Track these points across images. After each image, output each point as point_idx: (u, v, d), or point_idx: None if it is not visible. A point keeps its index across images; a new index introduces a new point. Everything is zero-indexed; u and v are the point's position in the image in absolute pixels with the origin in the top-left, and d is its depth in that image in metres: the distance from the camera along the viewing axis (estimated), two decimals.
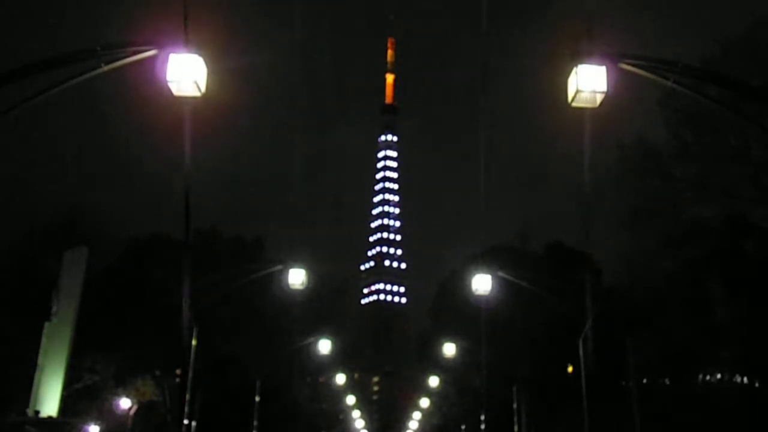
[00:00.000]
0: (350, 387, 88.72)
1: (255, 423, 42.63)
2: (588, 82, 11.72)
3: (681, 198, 31.41)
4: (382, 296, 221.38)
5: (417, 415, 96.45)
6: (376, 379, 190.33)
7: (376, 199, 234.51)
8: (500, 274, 29.53)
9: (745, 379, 39.61)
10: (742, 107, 13.55)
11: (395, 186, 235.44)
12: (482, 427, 52.87)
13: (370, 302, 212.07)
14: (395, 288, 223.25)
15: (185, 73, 11.59)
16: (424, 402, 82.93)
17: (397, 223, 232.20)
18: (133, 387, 42.51)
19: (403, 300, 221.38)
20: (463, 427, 69.61)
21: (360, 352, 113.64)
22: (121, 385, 41.70)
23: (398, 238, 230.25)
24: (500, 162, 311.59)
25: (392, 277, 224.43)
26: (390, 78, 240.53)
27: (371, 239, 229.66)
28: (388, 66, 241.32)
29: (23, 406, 27.12)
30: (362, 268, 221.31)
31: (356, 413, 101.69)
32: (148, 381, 43.45)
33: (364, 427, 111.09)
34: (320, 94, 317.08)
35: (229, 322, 42.19)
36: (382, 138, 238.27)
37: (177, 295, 28.53)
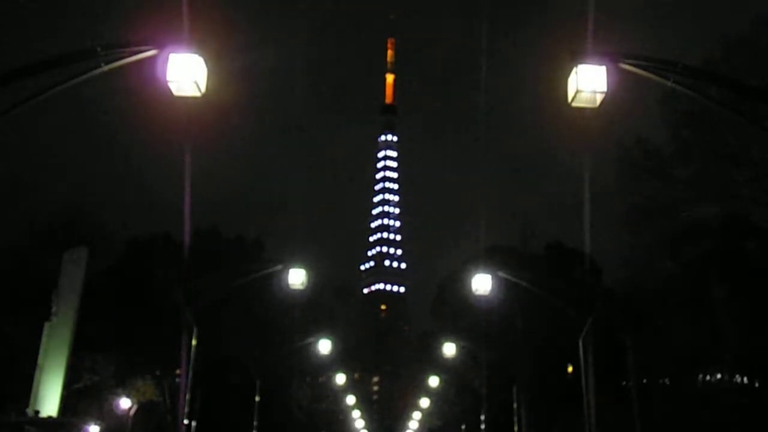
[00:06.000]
0: (350, 387, 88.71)
1: (255, 423, 42.64)
2: (588, 82, 11.71)
3: (681, 198, 31.39)
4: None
5: (417, 415, 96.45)
6: (376, 379, 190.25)
7: (376, 199, 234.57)
8: (500, 274, 29.51)
9: (745, 379, 39.60)
10: (742, 107, 13.55)
11: (395, 186, 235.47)
12: (482, 427, 52.90)
13: (370, 299, 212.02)
14: (395, 288, 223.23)
15: (185, 73, 11.58)
16: (424, 402, 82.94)
17: (397, 223, 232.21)
18: (133, 387, 42.53)
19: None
20: (463, 427, 69.64)
21: (360, 352, 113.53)
22: (121, 385, 41.72)
23: (398, 238, 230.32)
24: (500, 162, 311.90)
25: (392, 277, 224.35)
26: (390, 78, 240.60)
27: (371, 239, 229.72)
28: (388, 66, 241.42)
29: (23, 406, 27.12)
30: (362, 268, 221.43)
31: (356, 413, 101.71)
32: (148, 381, 43.46)
33: (364, 427, 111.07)
34: (320, 94, 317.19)
35: (229, 321, 42.20)
36: (382, 138, 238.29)
37: (177, 295, 28.57)
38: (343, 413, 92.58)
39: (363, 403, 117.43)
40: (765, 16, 28.01)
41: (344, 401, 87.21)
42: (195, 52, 11.64)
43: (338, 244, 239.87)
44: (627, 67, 11.94)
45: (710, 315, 33.33)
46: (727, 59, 27.24)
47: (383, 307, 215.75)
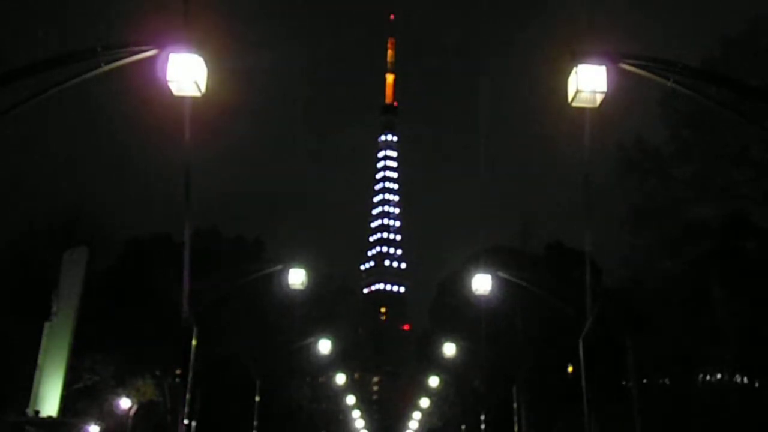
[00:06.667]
0: (350, 387, 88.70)
1: (255, 423, 42.64)
2: (588, 82, 11.70)
3: (681, 198, 31.37)
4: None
5: (417, 415, 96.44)
6: (376, 379, 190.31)
7: (376, 199, 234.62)
8: (500, 274, 29.53)
9: (745, 379, 39.59)
10: (742, 107, 13.54)
11: (395, 186, 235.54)
12: (482, 427, 52.91)
13: (370, 299, 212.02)
14: (395, 288, 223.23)
15: (185, 73, 11.59)
16: (424, 402, 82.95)
17: (397, 223, 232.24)
18: (133, 387, 42.50)
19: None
20: (463, 427, 69.62)
21: (360, 352, 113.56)
22: (121, 385, 41.70)
23: (398, 238, 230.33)
24: (500, 162, 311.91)
25: (392, 277, 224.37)
26: (390, 78, 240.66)
27: (371, 239, 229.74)
28: (388, 66, 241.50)
29: (23, 406, 27.12)
30: (362, 268, 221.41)
31: (356, 413, 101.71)
32: (148, 381, 43.44)
33: (364, 427, 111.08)
34: (320, 94, 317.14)
35: (229, 321, 42.19)
36: (382, 138, 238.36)
37: (177, 295, 28.57)
38: (343, 413, 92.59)
39: (363, 403, 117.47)
40: (765, 16, 28.00)
41: (344, 401, 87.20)
42: (195, 52, 11.64)
43: (338, 244, 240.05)
44: (627, 67, 11.94)
45: (710, 315, 33.32)
46: (727, 59, 27.23)
47: (383, 309, 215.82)
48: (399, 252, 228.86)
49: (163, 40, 11.66)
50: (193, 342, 28.58)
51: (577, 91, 11.74)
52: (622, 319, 33.02)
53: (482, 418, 52.68)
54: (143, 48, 11.71)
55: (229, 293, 34.25)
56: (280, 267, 29.28)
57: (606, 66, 11.74)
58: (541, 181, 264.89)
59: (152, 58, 11.71)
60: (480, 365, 50.30)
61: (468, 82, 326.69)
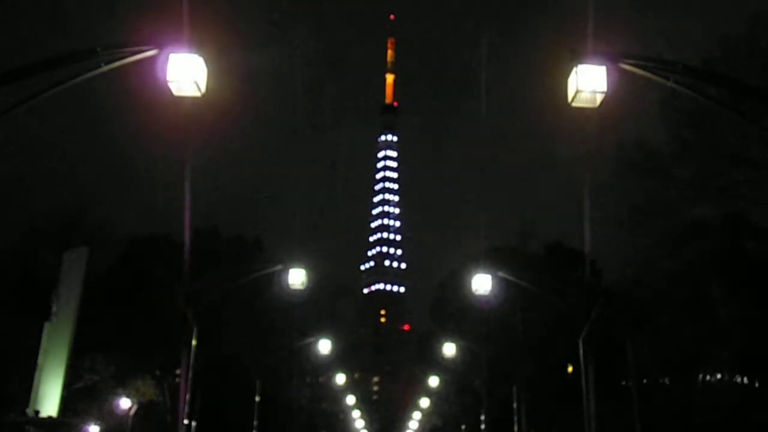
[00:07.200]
0: (350, 387, 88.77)
1: (255, 423, 42.64)
2: (588, 82, 11.70)
3: (681, 198, 31.33)
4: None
5: (417, 415, 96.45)
6: (376, 379, 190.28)
7: (376, 199, 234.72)
8: (500, 274, 29.50)
9: (745, 379, 39.59)
10: (742, 107, 13.55)
11: (395, 186, 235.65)
12: (482, 427, 52.92)
13: (370, 299, 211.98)
14: (395, 288, 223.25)
15: (185, 73, 11.58)
16: (424, 402, 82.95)
17: (397, 223, 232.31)
18: (133, 387, 42.51)
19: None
20: (463, 427, 69.64)
21: (360, 352, 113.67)
22: (121, 385, 41.70)
23: (398, 238, 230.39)
24: (500, 162, 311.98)
25: (392, 277, 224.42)
26: (390, 78, 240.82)
27: (371, 239, 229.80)
28: (388, 66, 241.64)
29: (23, 406, 27.13)
30: (362, 268, 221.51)
31: (356, 413, 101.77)
32: (148, 381, 43.45)
33: (364, 427, 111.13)
34: (320, 93, 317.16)
35: (229, 321, 42.18)
36: (382, 138, 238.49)
37: (177, 294, 28.57)
38: (343, 413, 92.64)
39: (363, 403, 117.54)
40: (764, 16, 27.96)
41: (344, 401, 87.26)
42: (195, 52, 11.64)
43: (338, 244, 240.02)
44: (627, 67, 11.94)
45: (710, 315, 33.32)
46: (727, 59, 27.22)
47: (383, 312, 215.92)
48: (399, 252, 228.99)
49: (163, 40, 11.66)
50: (193, 342, 28.56)
51: (577, 91, 11.73)
52: (622, 319, 33.02)
53: (482, 418, 52.68)
54: (143, 48, 11.71)
55: (229, 293, 34.21)
56: (279, 267, 29.24)
57: (606, 66, 11.74)
58: (541, 181, 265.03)
59: (152, 58, 11.70)
60: (480, 365, 50.27)
61: (468, 82, 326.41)
